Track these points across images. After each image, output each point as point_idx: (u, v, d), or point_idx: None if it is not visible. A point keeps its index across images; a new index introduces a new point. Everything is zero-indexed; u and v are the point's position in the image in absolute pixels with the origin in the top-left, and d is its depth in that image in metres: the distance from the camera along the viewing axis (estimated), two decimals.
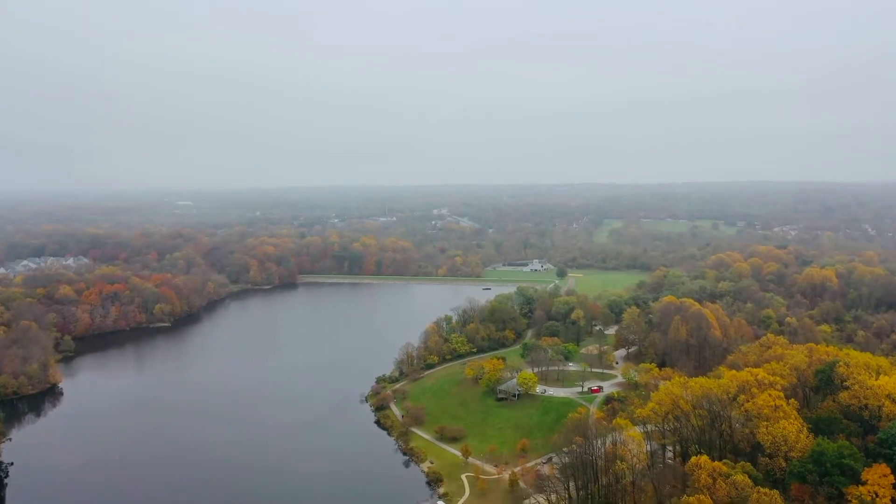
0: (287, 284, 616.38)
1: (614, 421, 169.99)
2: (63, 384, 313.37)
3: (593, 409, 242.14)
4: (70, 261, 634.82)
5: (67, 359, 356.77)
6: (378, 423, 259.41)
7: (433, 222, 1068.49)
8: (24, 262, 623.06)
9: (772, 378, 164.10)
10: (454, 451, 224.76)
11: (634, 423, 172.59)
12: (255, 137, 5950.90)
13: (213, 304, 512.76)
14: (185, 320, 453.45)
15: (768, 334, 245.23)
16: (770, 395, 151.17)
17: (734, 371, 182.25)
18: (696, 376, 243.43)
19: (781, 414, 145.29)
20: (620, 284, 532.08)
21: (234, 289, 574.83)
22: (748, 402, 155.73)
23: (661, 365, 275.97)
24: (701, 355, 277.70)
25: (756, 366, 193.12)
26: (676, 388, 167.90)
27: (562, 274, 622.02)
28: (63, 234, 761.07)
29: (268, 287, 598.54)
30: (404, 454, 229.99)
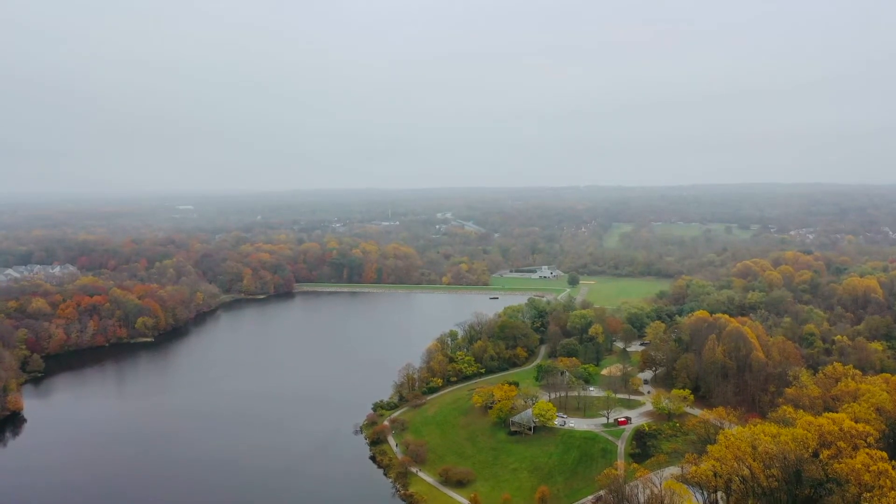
0: (282, 294, 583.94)
1: (664, 484, 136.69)
2: (26, 410, 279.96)
3: (622, 445, 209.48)
4: (56, 269, 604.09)
5: (36, 380, 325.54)
6: (373, 459, 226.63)
7: (437, 226, 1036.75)
8: (8, 271, 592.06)
9: (860, 428, 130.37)
10: (461, 498, 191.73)
11: (686, 482, 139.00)
12: (257, 142, 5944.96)
13: (202, 316, 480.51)
14: (170, 335, 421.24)
15: (835, 364, 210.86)
16: (870, 455, 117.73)
17: (806, 415, 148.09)
18: (738, 405, 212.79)
19: (889, 483, 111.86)
20: (636, 293, 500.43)
21: (226, 299, 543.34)
22: (835, 460, 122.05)
23: (695, 390, 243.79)
24: (741, 379, 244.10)
25: (824, 403, 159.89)
26: (741, 441, 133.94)
27: (573, 282, 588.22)
28: (52, 241, 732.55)
29: (262, 297, 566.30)
30: (403, 500, 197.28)
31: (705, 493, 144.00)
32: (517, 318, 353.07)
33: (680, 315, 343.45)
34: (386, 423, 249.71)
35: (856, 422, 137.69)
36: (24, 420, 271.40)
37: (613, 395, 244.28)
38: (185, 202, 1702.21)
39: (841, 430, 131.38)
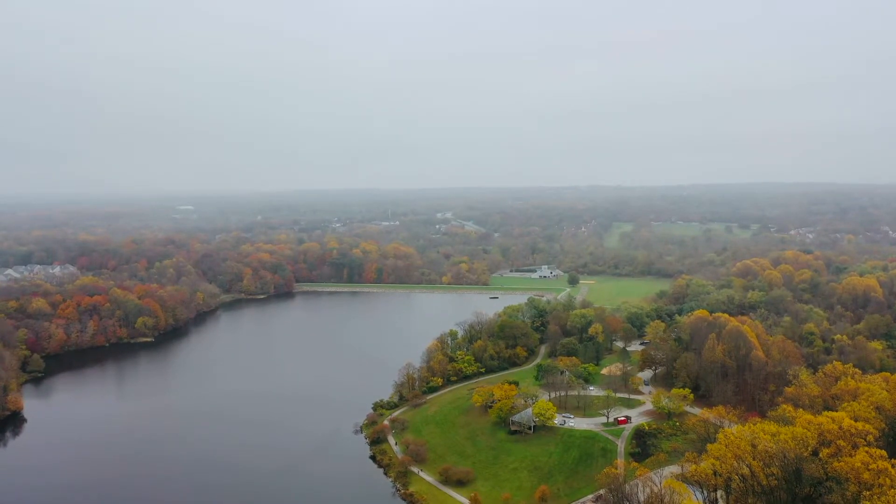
0: (283, 294, 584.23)
1: (664, 483, 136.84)
2: (26, 410, 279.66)
3: (622, 444, 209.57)
4: (57, 269, 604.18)
5: (36, 380, 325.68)
6: (373, 458, 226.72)
7: (437, 226, 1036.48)
8: (8, 271, 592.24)
9: (860, 426, 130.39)
10: (461, 498, 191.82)
11: (686, 480, 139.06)
12: (257, 142, 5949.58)
13: (202, 316, 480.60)
14: (170, 335, 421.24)
15: (835, 363, 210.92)
16: (869, 453, 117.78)
17: (805, 413, 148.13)
18: (738, 405, 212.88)
19: (888, 481, 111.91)
20: (637, 293, 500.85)
21: (227, 299, 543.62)
22: (835, 459, 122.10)
23: (695, 389, 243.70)
24: (741, 379, 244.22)
25: (824, 402, 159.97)
26: (741, 440, 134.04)
27: (573, 281, 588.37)
28: (52, 241, 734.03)
29: (262, 297, 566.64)
30: (403, 500, 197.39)
31: (705, 491, 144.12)
32: (517, 318, 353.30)
33: (680, 314, 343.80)
34: (386, 422, 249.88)
35: (855, 420, 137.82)
36: (24, 420, 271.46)
37: (613, 394, 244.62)
38: (185, 202, 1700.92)
39: (840, 428, 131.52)
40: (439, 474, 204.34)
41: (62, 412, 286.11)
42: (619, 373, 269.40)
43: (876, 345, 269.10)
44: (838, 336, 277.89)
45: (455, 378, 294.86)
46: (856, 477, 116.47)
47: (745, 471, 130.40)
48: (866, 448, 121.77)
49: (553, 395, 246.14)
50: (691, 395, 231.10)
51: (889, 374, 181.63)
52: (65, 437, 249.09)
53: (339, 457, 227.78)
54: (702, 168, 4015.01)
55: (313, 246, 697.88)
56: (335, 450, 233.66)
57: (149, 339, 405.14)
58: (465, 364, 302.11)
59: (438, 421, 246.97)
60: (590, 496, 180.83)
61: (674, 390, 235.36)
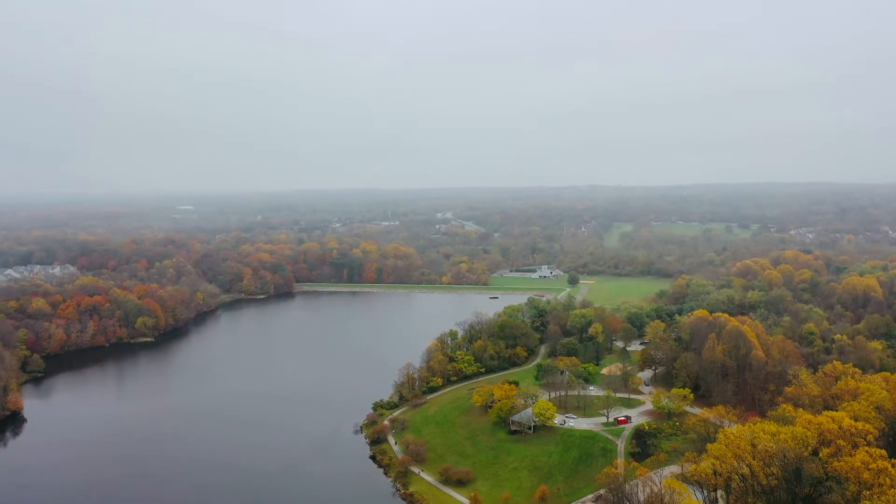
0: (283, 294, 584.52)
1: (664, 483, 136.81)
2: (26, 410, 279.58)
3: (622, 444, 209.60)
4: (57, 269, 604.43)
5: (36, 380, 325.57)
6: (373, 458, 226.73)
7: (437, 226, 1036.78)
8: (8, 272, 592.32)
9: (860, 426, 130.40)
10: (462, 498, 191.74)
11: (686, 480, 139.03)
12: (257, 142, 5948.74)
13: (202, 316, 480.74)
14: (170, 335, 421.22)
15: (835, 363, 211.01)
16: (869, 453, 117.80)
17: (805, 413, 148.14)
18: (738, 404, 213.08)
19: (888, 481, 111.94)
20: (637, 292, 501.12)
21: (227, 299, 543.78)
22: (835, 459, 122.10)
23: (695, 389, 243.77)
24: (741, 378, 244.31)
25: (824, 402, 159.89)
26: (741, 439, 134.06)
27: (573, 281, 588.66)
28: (52, 241, 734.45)
29: (262, 297, 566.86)
30: (403, 500, 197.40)
31: (705, 491, 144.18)
32: (517, 318, 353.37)
33: (680, 314, 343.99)
34: (386, 422, 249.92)
35: (855, 420, 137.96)
36: (24, 420, 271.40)
37: (613, 394, 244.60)
38: (185, 202, 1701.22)
39: (840, 428, 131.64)
40: (439, 474, 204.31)
41: (62, 412, 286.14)
42: (619, 373, 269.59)
43: (876, 345, 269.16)
44: (838, 336, 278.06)
45: (455, 378, 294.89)
46: (856, 477, 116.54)
47: (745, 470, 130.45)
48: (866, 448, 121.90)
49: (553, 395, 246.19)
50: (691, 395, 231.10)
51: (889, 373, 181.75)
52: (65, 437, 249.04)
53: (339, 457, 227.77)
54: (702, 168, 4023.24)
55: (313, 246, 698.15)
56: (335, 450, 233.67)
57: (149, 339, 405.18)
58: (465, 364, 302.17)
59: (438, 421, 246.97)
60: (590, 496, 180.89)
61: (674, 390, 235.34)
